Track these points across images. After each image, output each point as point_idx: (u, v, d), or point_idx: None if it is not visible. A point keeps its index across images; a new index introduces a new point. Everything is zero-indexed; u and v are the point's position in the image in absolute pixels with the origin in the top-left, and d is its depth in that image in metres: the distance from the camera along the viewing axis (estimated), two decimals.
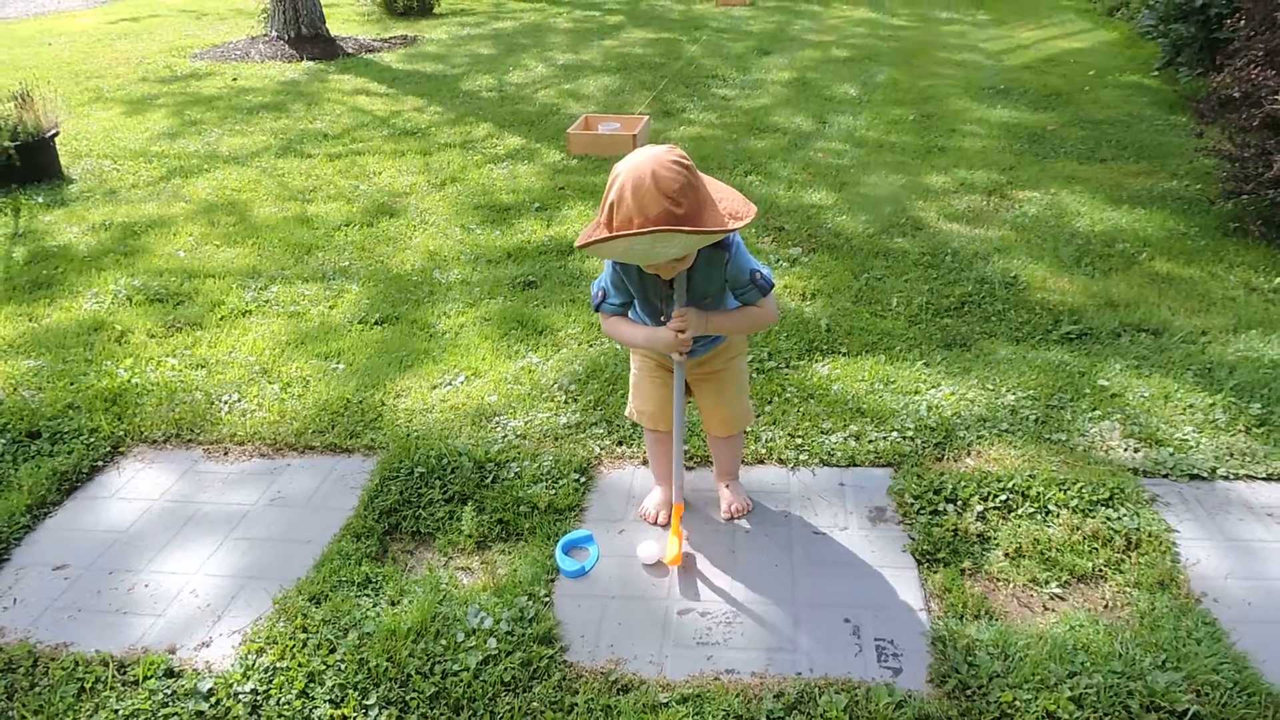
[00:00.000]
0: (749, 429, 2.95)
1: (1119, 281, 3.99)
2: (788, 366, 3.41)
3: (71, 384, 3.48)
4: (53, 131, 5.97)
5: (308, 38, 10.02)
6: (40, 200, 5.62)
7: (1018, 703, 1.96)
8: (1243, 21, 4.72)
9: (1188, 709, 1.92)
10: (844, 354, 3.48)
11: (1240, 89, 4.46)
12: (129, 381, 3.48)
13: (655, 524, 2.64)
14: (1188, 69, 6.92)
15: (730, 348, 2.49)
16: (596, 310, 2.41)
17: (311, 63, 9.45)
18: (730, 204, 2.09)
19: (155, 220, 5.26)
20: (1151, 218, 4.66)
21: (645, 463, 2.89)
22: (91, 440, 3.13)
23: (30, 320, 4.09)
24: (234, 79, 8.83)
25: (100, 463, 3.06)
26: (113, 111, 7.75)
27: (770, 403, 3.15)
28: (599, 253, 2.14)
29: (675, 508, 2.56)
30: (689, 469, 2.87)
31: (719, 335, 2.41)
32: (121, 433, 3.19)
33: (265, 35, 10.40)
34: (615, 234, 1.95)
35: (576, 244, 2.06)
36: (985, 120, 6.57)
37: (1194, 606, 2.23)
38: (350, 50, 9.96)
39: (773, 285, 2.27)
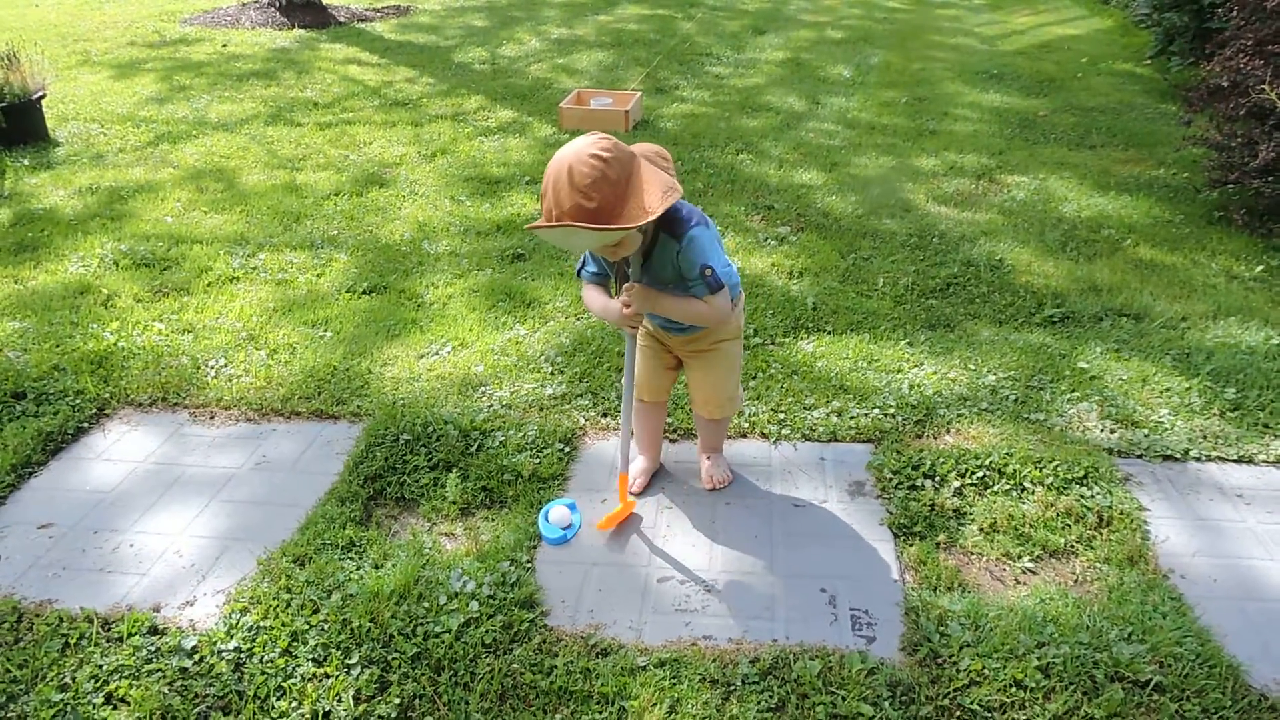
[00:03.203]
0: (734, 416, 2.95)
1: (1103, 267, 4.03)
2: (773, 343, 3.44)
3: (57, 346, 3.47)
4: (39, 94, 5.91)
5: (299, 5, 9.90)
6: (26, 163, 5.58)
7: (986, 671, 2.01)
8: (1234, 11, 4.74)
9: (1150, 679, 1.98)
10: (829, 332, 3.51)
11: (1229, 78, 4.49)
12: (115, 345, 3.48)
13: (632, 492, 2.66)
14: (1179, 58, 6.95)
15: (718, 330, 2.44)
16: (578, 276, 2.46)
17: (303, 30, 9.36)
18: (651, 197, 2.02)
19: (142, 185, 5.23)
20: (1138, 205, 4.70)
21: None
22: (77, 402, 3.14)
23: (15, 282, 4.07)
24: (224, 45, 8.74)
25: (86, 424, 3.07)
26: (100, 75, 7.67)
27: (755, 378, 3.18)
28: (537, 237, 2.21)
29: (620, 476, 2.54)
30: (673, 441, 2.91)
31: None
32: (107, 395, 3.20)
33: (256, 2, 10.28)
34: (532, 226, 2.00)
35: (527, 226, 2.11)
36: (977, 105, 6.58)
37: (1161, 582, 2.28)
38: (342, 19, 9.87)
39: (723, 286, 2.22)
